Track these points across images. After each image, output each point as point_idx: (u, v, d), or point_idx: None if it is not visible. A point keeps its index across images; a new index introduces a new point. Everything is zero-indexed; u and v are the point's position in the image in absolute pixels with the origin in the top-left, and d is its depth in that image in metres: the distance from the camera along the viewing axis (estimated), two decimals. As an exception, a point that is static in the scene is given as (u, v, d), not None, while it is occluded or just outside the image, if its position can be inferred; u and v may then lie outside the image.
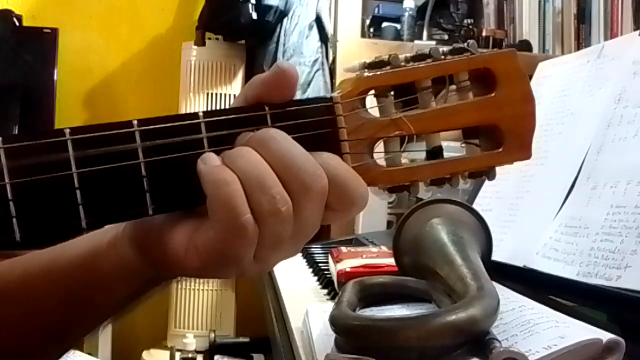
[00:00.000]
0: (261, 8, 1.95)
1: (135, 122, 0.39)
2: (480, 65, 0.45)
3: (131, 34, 2.34)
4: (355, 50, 1.96)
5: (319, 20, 2.05)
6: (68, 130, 0.38)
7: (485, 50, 0.46)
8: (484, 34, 2.10)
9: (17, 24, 2.11)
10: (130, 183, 0.38)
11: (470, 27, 2.18)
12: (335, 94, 0.43)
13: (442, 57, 0.44)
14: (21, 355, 0.49)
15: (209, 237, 0.38)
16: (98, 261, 0.44)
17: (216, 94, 2.13)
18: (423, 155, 0.45)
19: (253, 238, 0.37)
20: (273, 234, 0.38)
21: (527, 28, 2.08)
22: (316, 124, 0.42)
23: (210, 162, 0.38)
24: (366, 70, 0.44)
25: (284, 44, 2.01)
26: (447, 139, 0.45)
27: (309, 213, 0.38)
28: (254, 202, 0.37)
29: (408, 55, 0.44)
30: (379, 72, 0.44)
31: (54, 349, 0.51)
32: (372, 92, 0.44)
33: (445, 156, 0.45)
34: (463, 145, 0.46)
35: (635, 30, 1.53)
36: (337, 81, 1.91)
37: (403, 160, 0.44)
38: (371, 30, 2.18)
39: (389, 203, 1.59)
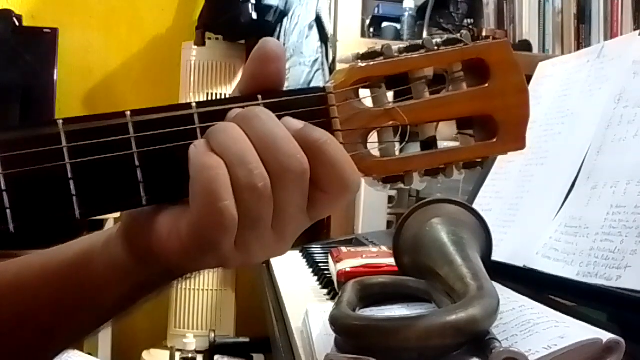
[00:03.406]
0: (261, 8, 1.95)
1: (128, 112, 0.39)
2: (473, 55, 0.45)
3: (131, 34, 2.34)
4: (355, 50, 1.95)
5: (319, 20, 2.05)
6: (61, 121, 0.38)
7: (479, 42, 0.45)
8: (484, 34, 2.10)
9: (17, 24, 2.11)
10: (124, 174, 0.38)
11: (470, 27, 2.18)
12: (328, 84, 0.43)
13: (436, 47, 0.44)
14: (14, 355, 0.49)
15: (190, 221, 0.38)
16: (91, 262, 0.44)
17: (216, 94, 2.13)
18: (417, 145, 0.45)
19: (232, 225, 0.37)
20: (251, 212, 0.37)
21: (527, 28, 2.08)
22: (309, 114, 0.41)
23: (200, 147, 0.38)
24: (359, 60, 0.44)
25: (284, 44, 2.00)
26: (443, 139, 0.45)
27: (289, 197, 0.38)
28: (232, 177, 0.37)
29: (401, 46, 0.44)
30: (372, 63, 0.43)
31: (47, 349, 0.50)
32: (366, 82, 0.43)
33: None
34: (457, 135, 0.46)
35: (635, 30, 1.53)
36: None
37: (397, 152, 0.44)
38: (371, 30, 2.18)
39: (389, 203, 1.59)
